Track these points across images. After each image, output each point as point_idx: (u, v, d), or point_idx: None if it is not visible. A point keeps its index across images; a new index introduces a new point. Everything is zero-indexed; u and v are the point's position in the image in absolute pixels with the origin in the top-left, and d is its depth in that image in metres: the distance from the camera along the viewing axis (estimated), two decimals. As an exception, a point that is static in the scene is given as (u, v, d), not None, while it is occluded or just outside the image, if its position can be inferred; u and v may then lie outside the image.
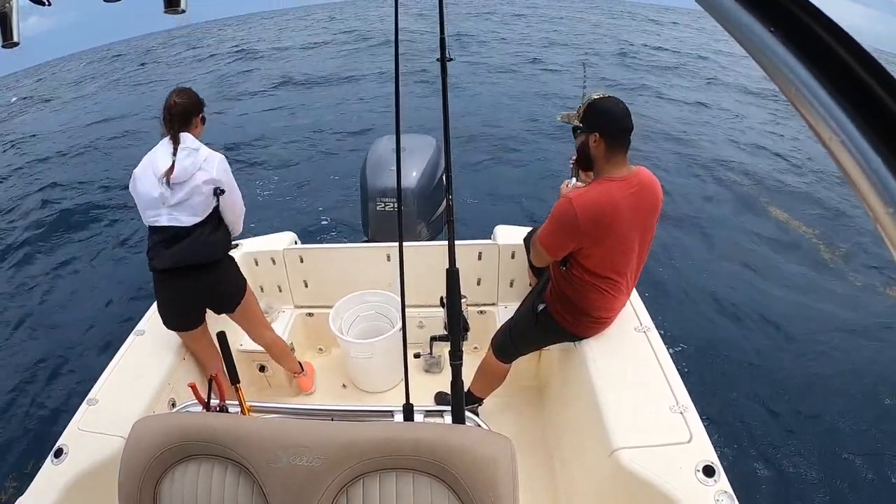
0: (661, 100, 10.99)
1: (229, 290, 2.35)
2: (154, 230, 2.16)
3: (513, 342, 2.32)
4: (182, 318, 2.31)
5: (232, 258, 2.35)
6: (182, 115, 2.12)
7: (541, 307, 2.17)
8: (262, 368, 2.88)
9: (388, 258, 2.84)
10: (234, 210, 2.27)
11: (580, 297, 2.02)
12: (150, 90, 15.56)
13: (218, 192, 2.16)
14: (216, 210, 2.19)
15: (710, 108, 10.56)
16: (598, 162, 1.87)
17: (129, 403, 2.03)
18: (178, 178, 2.05)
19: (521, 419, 2.64)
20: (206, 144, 2.18)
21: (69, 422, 1.96)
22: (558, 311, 2.11)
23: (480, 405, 2.54)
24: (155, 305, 2.47)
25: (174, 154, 2.06)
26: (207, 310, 2.37)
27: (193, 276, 2.20)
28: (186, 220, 2.12)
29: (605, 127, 1.81)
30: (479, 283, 2.91)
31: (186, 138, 2.11)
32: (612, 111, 1.82)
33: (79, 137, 11.29)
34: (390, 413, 1.51)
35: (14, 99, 19.81)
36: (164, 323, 2.31)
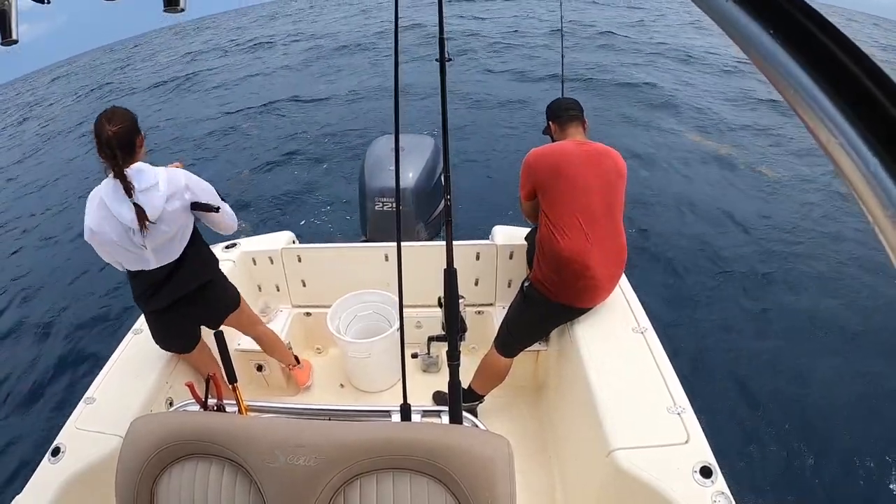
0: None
1: (227, 304, 2.31)
2: (139, 276, 2.00)
3: (509, 330, 2.37)
4: (185, 342, 2.26)
5: (220, 270, 2.29)
6: (123, 144, 1.80)
7: (526, 284, 2.30)
8: (259, 368, 2.88)
9: (387, 258, 2.84)
10: (225, 222, 2.13)
11: (551, 244, 2.14)
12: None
13: (212, 208, 2.00)
14: (195, 226, 2.07)
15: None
16: (558, 139, 2.35)
17: (127, 402, 2.02)
18: (152, 219, 1.84)
19: (519, 419, 2.64)
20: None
21: (66, 420, 1.95)
22: (538, 278, 2.21)
23: (481, 402, 2.54)
24: None
25: (129, 196, 1.79)
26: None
27: (194, 300, 2.12)
28: (177, 252, 1.99)
29: (553, 114, 2.38)
30: (476, 284, 2.91)
31: (140, 173, 1.83)
32: (557, 103, 2.40)
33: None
34: (388, 413, 1.51)
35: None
36: (166, 349, 2.26)
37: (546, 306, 2.22)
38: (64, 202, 8.01)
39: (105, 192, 1.84)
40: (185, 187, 1.93)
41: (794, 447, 3.24)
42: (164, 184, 1.87)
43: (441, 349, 2.85)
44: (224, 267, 2.73)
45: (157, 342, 2.23)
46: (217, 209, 2.01)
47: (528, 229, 2.72)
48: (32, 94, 22.95)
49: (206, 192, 2.02)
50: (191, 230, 2.03)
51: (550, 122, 2.39)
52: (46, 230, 7.14)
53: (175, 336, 2.24)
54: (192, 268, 2.06)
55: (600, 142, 2.28)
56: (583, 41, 14.39)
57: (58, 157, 10.80)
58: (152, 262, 1.96)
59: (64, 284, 5.65)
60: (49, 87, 23.26)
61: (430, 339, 2.82)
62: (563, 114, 2.33)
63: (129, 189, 1.80)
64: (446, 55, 1.48)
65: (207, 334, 2.28)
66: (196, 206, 1.98)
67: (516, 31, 16.36)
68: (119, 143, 1.78)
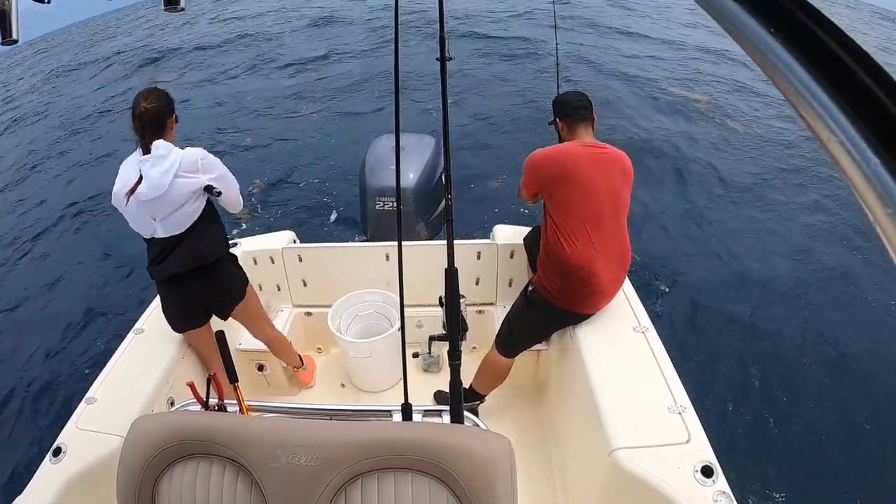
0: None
1: (233, 290, 2.35)
2: (152, 242, 2.13)
3: (510, 331, 2.36)
4: (190, 320, 2.31)
5: (233, 255, 2.35)
6: (154, 121, 1.99)
7: (530, 288, 2.29)
8: (260, 368, 2.88)
9: (387, 257, 2.84)
10: (232, 198, 2.24)
11: (557, 251, 2.11)
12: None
13: (214, 192, 2.11)
14: (209, 205, 2.17)
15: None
16: (566, 138, 2.28)
17: (128, 402, 2.03)
18: (150, 195, 1.96)
19: (520, 419, 2.64)
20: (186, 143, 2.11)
21: (68, 420, 1.96)
22: (543, 284, 2.19)
23: (482, 402, 2.55)
24: (154, 305, 2.48)
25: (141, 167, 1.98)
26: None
27: (198, 278, 2.18)
28: (183, 225, 2.10)
29: (562, 111, 2.27)
30: (477, 283, 2.92)
31: (157, 147, 1.99)
32: (567, 99, 2.28)
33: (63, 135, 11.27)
34: (389, 412, 1.51)
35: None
36: (172, 327, 2.31)
37: (549, 311, 2.21)
38: (62, 203, 8.01)
39: (129, 160, 2.03)
40: (198, 168, 2.05)
41: (796, 447, 3.24)
42: (174, 161, 1.98)
43: (442, 349, 2.85)
44: None
45: (167, 318, 2.30)
46: (219, 193, 2.14)
47: (528, 229, 2.72)
48: (20, 65, 22.71)
49: (216, 167, 2.13)
50: (200, 207, 2.12)
51: (559, 119, 2.30)
52: (45, 230, 7.14)
53: (181, 311, 2.28)
54: (201, 243, 2.15)
55: (599, 135, 2.26)
56: (580, 30, 14.39)
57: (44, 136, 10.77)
58: (159, 232, 2.07)
59: (64, 284, 5.65)
60: (31, 61, 22.99)
61: (431, 338, 2.81)
62: (573, 113, 2.24)
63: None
64: (447, 54, 1.48)
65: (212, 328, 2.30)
66: (208, 189, 2.11)
67: (512, 23, 16.33)
68: (150, 119, 1.97)
